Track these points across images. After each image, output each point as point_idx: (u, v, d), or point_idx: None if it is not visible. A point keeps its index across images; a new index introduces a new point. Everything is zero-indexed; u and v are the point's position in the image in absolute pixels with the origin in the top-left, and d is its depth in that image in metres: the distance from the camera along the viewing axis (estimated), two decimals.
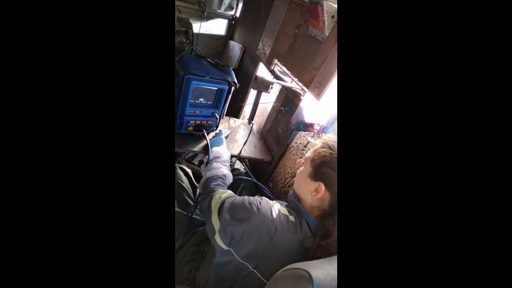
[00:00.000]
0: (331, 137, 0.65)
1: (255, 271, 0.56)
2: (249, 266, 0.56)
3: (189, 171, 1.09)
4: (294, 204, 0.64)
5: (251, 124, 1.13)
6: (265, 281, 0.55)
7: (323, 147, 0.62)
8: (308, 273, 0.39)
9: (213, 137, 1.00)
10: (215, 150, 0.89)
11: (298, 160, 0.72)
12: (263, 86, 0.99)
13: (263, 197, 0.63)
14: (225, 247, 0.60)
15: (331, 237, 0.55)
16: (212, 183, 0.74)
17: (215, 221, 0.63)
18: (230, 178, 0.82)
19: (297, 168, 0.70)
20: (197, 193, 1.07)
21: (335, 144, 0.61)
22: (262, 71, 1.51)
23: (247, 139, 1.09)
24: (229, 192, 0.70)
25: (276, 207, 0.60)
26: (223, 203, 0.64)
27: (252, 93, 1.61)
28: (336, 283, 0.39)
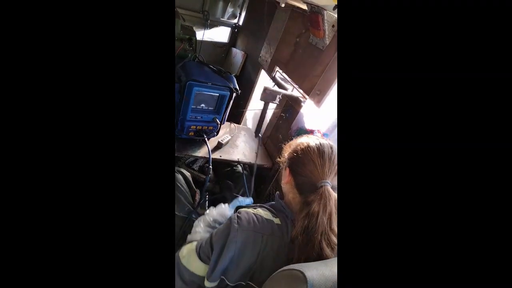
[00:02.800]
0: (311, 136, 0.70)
1: (250, 283, 0.54)
2: (242, 282, 0.54)
3: (188, 175, 1.10)
4: (279, 204, 0.64)
5: (259, 137, 1.12)
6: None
7: (294, 141, 0.67)
8: (303, 273, 0.39)
9: (237, 201, 0.85)
10: (223, 209, 0.78)
11: None
12: (271, 97, 1.01)
13: (240, 210, 0.59)
14: (215, 283, 0.54)
15: (294, 229, 0.54)
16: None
17: (198, 268, 0.57)
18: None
19: None
20: (196, 197, 1.07)
21: (303, 139, 0.65)
22: (263, 78, 1.53)
23: (257, 153, 1.10)
24: (194, 237, 0.67)
25: (258, 215, 0.58)
26: (198, 248, 0.60)
27: (254, 100, 1.63)
28: (331, 284, 0.39)
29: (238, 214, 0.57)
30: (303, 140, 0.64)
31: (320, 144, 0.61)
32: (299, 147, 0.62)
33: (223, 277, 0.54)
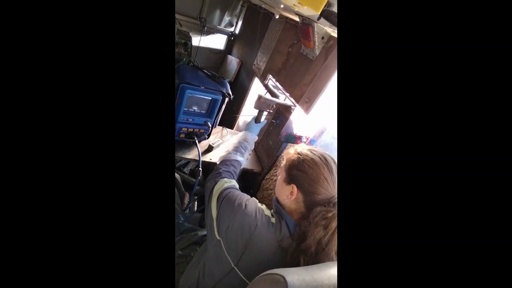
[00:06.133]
0: (302, 145, 0.71)
1: (236, 269, 0.59)
2: (231, 262, 0.60)
3: (178, 177, 1.10)
4: (276, 207, 0.68)
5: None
6: (245, 279, 0.58)
7: (293, 153, 0.67)
8: (284, 278, 0.40)
9: (252, 123, 0.99)
10: (244, 134, 0.93)
11: (278, 171, 0.77)
12: (265, 105, 1.01)
13: (253, 198, 0.69)
14: (217, 236, 0.63)
15: (307, 239, 0.56)
16: (223, 168, 0.78)
17: (213, 206, 0.68)
18: (244, 163, 0.88)
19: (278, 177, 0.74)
20: (185, 200, 1.07)
21: (303, 150, 0.66)
22: (256, 85, 1.57)
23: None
24: (233, 182, 0.75)
25: (261, 209, 0.65)
26: (223, 191, 0.69)
27: (247, 106, 1.66)
28: None
29: (249, 199, 0.67)
30: (305, 153, 0.64)
31: (325, 158, 0.63)
32: (306, 164, 0.62)
33: (221, 239, 0.63)
